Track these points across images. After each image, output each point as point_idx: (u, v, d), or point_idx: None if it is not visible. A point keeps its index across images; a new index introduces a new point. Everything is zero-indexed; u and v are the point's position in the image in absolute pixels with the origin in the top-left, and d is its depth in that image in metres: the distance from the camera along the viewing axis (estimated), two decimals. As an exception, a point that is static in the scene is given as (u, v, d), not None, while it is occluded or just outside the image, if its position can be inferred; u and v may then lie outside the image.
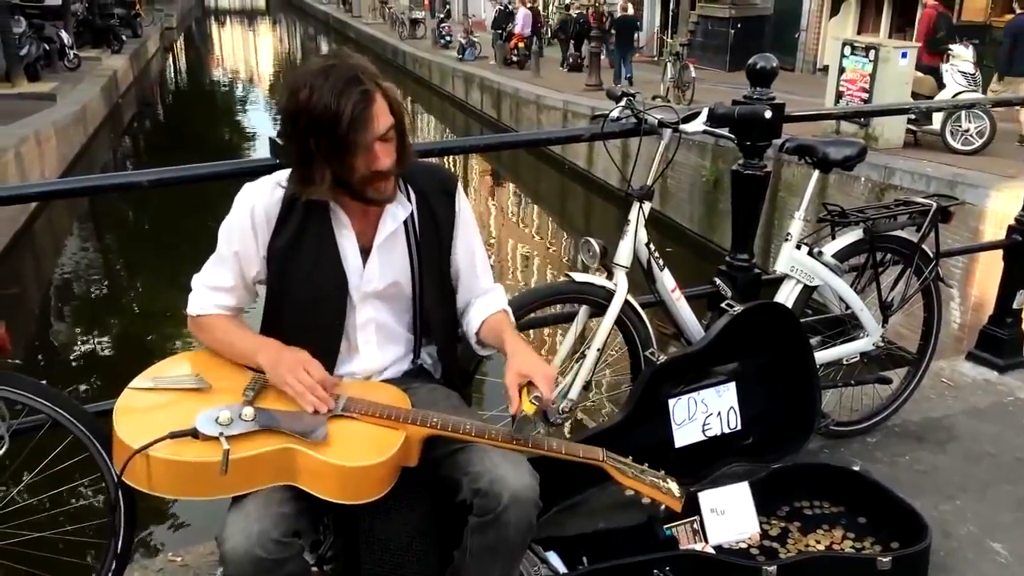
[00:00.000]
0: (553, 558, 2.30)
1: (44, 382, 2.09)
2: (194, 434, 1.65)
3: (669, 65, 15.78)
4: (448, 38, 26.62)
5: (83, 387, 7.99)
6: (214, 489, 1.65)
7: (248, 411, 1.71)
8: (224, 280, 1.91)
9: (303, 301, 1.90)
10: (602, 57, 17.84)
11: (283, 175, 1.89)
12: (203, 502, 1.72)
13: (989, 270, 7.66)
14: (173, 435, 1.64)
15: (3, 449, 1.92)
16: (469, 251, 2.05)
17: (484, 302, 2.05)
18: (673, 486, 1.87)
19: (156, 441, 1.63)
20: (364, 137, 1.72)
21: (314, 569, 1.98)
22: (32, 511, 2.24)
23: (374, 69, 1.79)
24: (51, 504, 2.42)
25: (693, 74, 15.11)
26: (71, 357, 9.12)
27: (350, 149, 1.72)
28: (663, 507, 2.22)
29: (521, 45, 21.34)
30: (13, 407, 1.98)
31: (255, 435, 1.68)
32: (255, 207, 1.87)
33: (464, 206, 2.03)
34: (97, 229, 13.73)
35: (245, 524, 1.62)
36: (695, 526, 2.48)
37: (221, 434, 1.64)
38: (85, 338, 9.57)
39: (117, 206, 13.89)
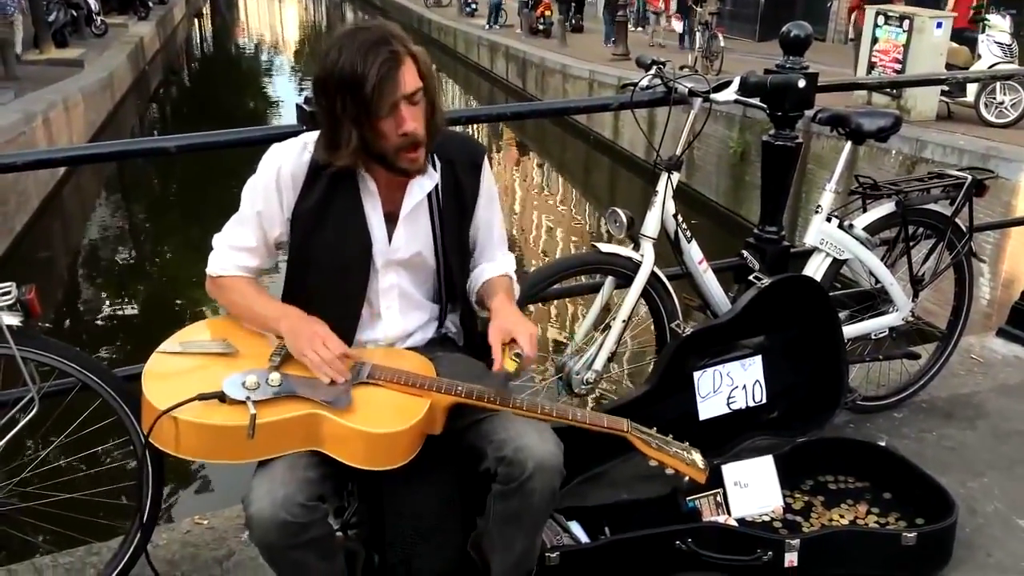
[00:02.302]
0: (575, 528, 2.31)
1: (77, 349, 2.10)
2: (221, 397, 1.66)
3: (698, 34, 15.57)
4: (474, 6, 26.38)
5: (111, 351, 8.10)
6: (240, 453, 1.67)
7: (275, 376, 1.72)
8: (246, 240, 1.91)
9: (327, 266, 1.90)
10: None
11: (311, 137, 1.88)
12: (230, 468, 1.73)
13: (1021, 245, 7.54)
14: (201, 397, 1.66)
15: (33, 411, 1.95)
16: (488, 224, 2.04)
17: (490, 267, 2.05)
18: (697, 458, 1.87)
19: (184, 403, 1.64)
20: (390, 98, 1.71)
21: (338, 535, 2.00)
22: (61, 473, 2.28)
23: (404, 34, 1.77)
24: (80, 466, 2.46)
25: (722, 43, 14.90)
26: (99, 321, 9.24)
27: (376, 111, 1.71)
28: (686, 479, 2.22)
29: (548, 13, 21.11)
30: (43, 370, 2.00)
31: (281, 400, 1.69)
32: (281, 168, 1.86)
33: (489, 177, 2.02)
34: (124, 195, 13.84)
35: (271, 488, 1.63)
36: (718, 499, 2.47)
37: (248, 398, 1.65)
38: (113, 303, 9.69)
39: (144, 172, 13.99)
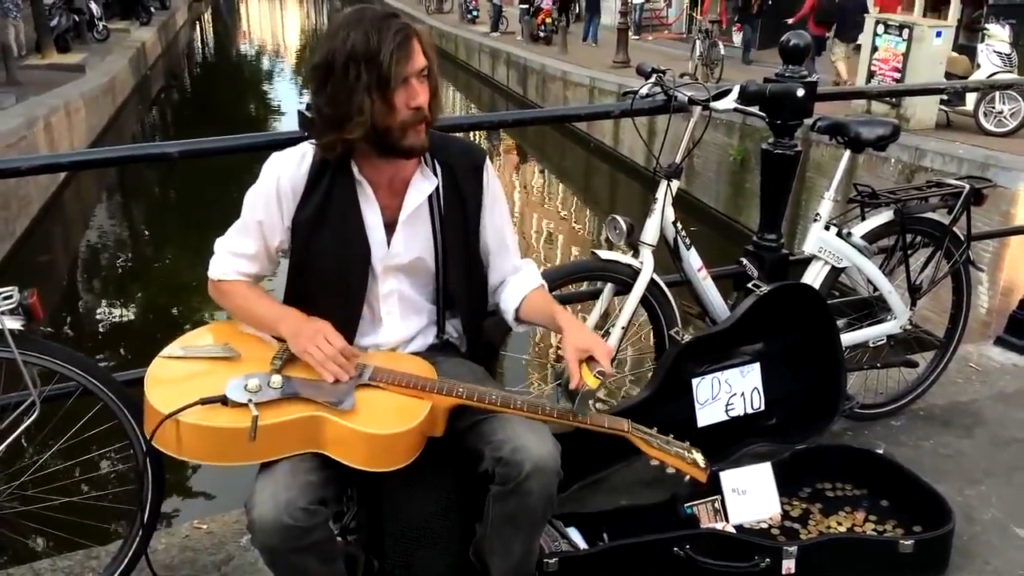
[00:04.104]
0: (574, 533, 2.32)
1: (78, 353, 2.11)
2: (224, 401, 1.68)
3: (698, 43, 15.61)
4: (475, 12, 26.45)
5: (111, 356, 8.11)
6: (242, 455, 1.68)
7: (276, 379, 1.73)
8: (247, 248, 1.92)
9: (327, 272, 1.91)
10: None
11: (311, 145, 1.89)
12: (229, 473, 1.74)
13: (1020, 254, 7.56)
14: (203, 401, 1.67)
15: (34, 415, 1.95)
16: (498, 228, 2.04)
17: (520, 279, 2.04)
18: (698, 457, 1.88)
19: (186, 407, 1.65)
20: (405, 68, 1.74)
21: (338, 539, 2.00)
22: (62, 476, 2.29)
23: None
24: (81, 470, 2.47)
25: (722, 52, 14.94)
26: (99, 326, 9.25)
27: (391, 82, 1.73)
28: (687, 479, 2.23)
29: (548, 20, 21.17)
30: (44, 374, 2.01)
31: (283, 403, 1.70)
32: (281, 178, 1.87)
33: (493, 182, 2.02)
34: (125, 200, 13.87)
35: (274, 492, 1.64)
36: (716, 505, 2.48)
37: (250, 401, 1.66)
38: (113, 307, 9.70)
39: (144, 178, 14.01)
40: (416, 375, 1.81)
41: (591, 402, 1.80)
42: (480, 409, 1.79)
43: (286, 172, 1.88)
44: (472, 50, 24.46)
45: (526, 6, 21.78)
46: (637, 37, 20.83)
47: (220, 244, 1.96)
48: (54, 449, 2.17)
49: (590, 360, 1.79)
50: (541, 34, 21.17)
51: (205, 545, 2.47)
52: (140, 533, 2.12)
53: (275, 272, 2.01)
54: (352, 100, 1.74)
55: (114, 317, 9.44)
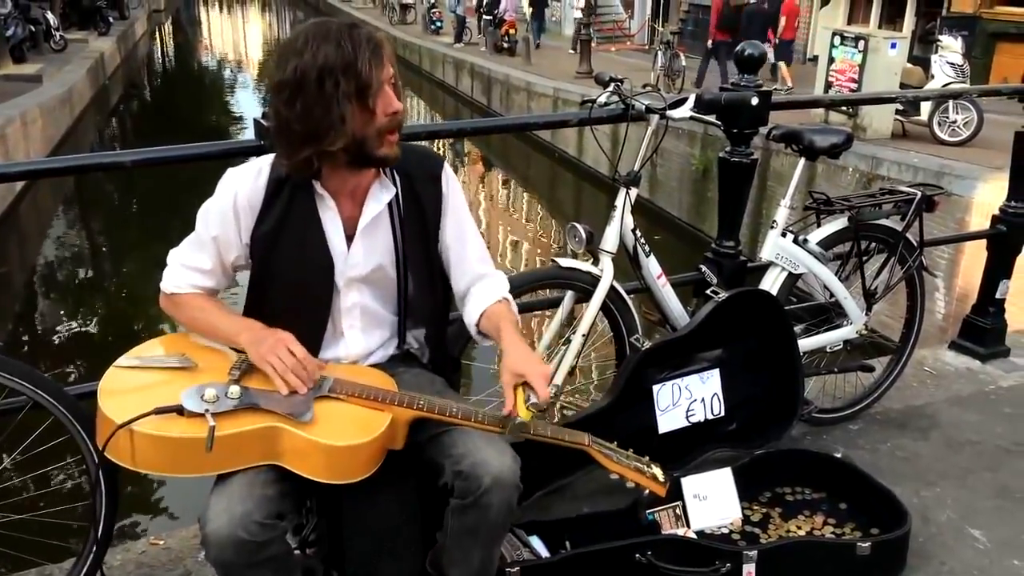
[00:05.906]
0: (536, 542, 2.31)
1: (28, 366, 2.06)
2: (179, 411, 1.65)
3: (660, 53, 15.74)
4: (439, 24, 26.46)
5: (67, 369, 7.95)
6: (198, 466, 1.65)
7: (234, 389, 1.70)
8: (202, 263, 1.89)
9: (288, 286, 1.89)
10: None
11: (267, 160, 1.87)
12: (190, 487, 1.71)
13: (974, 260, 7.69)
14: (159, 411, 1.64)
15: (-16, 430, 1.91)
16: (459, 234, 2.01)
17: (482, 291, 2.00)
18: (657, 471, 1.89)
19: (141, 416, 1.62)
20: (381, 74, 1.73)
21: (296, 552, 1.98)
22: (14, 493, 2.24)
23: None
24: (33, 486, 2.42)
25: (683, 62, 15.08)
26: (55, 339, 9.07)
27: (370, 88, 1.71)
28: (646, 492, 2.24)
29: (512, 32, 21.24)
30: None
31: (241, 413, 1.68)
32: (238, 193, 1.84)
33: (453, 189, 2.00)
34: (83, 211, 13.64)
35: (228, 506, 1.62)
36: (677, 511, 2.49)
37: (207, 411, 1.64)
38: (70, 320, 9.52)
39: (103, 188, 13.80)
40: (376, 387, 1.80)
41: (526, 431, 1.77)
42: (440, 422, 1.78)
43: (243, 187, 1.85)
44: (436, 61, 24.45)
45: (490, 17, 21.85)
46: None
47: (174, 256, 1.92)
48: (4, 465, 2.12)
49: (526, 385, 1.75)
50: (505, 45, 21.21)
51: (162, 561, 2.43)
52: (94, 549, 2.07)
53: (232, 287, 1.99)
54: (331, 112, 1.70)
55: (72, 329, 9.26)
